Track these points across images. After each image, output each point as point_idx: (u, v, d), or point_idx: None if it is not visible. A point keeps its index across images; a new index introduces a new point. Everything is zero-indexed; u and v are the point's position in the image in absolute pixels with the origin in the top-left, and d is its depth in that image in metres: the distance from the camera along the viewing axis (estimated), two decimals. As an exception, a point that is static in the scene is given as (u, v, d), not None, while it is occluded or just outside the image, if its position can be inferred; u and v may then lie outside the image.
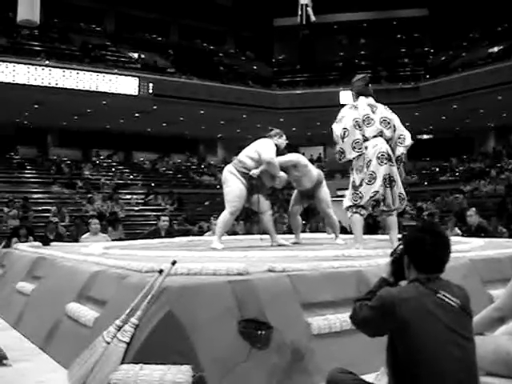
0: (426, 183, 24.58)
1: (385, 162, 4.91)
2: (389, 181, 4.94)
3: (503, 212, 16.62)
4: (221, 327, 2.93)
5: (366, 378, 2.66)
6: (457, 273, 3.83)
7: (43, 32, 22.04)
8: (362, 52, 29.78)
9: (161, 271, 3.02)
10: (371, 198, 4.93)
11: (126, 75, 21.18)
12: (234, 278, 3.14)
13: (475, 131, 27.02)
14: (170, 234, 9.20)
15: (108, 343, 2.92)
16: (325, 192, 6.91)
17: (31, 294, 4.90)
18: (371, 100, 5.27)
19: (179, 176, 24.94)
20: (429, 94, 23.25)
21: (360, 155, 5.02)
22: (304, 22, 10.41)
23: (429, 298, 2.39)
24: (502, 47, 23.42)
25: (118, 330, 2.94)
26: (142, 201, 20.94)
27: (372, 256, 4.35)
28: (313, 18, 10.38)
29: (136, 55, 23.97)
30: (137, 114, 23.09)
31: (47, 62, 19.82)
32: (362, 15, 29.34)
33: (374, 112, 5.14)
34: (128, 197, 21.01)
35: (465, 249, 5.01)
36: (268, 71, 28.60)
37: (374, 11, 29.04)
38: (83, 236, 8.87)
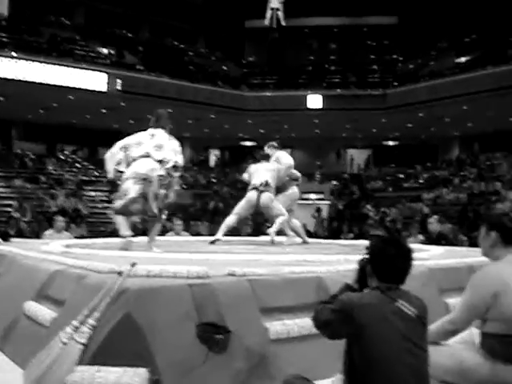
0: (390, 189, 24.85)
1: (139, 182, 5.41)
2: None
3: (464, 220, 16.92)
4: (179, 330, 2.92)
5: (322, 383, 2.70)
6: (415, 281, 3.86)
7: (11, 24, 21.68)
8: (332, 57, 29.99)
9: (120, 273, 3.01)
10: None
11: (94, 70, 20.95)
12: (194, 281, 3.13)
13: (440, 139, 27.47)
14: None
15: (65, 344, 2.88)
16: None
17: (-12, 292, 4.82)
18: (157, 131, 5.76)
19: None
20: (396, 102, 23.55)
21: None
22: (274, 26, 10.44)
23: (387, 305, 2.45)
24: (469, 58, 23.86)
25: (75, 331, 2.91)
26: (107, 198, 20.74)
27: (333, 262, 4.38)
28: (282, 22, 10.42)
29: (105, 51, 23.73)
30: (104, 110, 22.88)
31: (14, 54, 19.48)
32: (333, 20, 29.55)
33: (151, 139, 5.67)
34: (92, 194, 20.79)
35: (424, 257, 5.08)
36: (238, 72, 28.59)
37: (345, 17, 29.28)
38: (46, 232, 8.74)
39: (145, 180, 5.34)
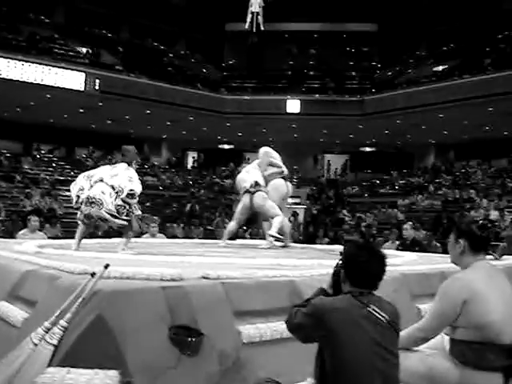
0: (366, 195, 25.01)
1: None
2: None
3: (438, 227, 17.08)
4: (151, 333, 2.91)
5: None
6: (388, 286, 3.92)
7: (-11, 21, 21.46)
8: (311, 62, 30.09)
9: (93, 274, 3.00)
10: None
11: (72, 69, 20.80)
12: (168, 283, 3.13)
13: (416, 147, 27.71)
14: (106, 232, 9.09)
15: (36, 345, 2.86)
16: None
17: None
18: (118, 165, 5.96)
19: (122, 174, 24.57)
20: (373, 108, 23.74)
21: None
22: (254, 30, 10.46)
23: (359, 310, 2.48)
24: (446, 66, 24.12)
25: (47, 332, 2.89)
26: (83, 198, 20.55)
27: (307, 266, 4.41)
28: (262, 27, 10.45)
29: (84, 50, 23.56)
30: (81, 110, 22.72)
31: (-8, 52, 19.29)
32: (313, 26, 29.65)
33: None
34: (68, 193, 20.53)
35: (397, 263, 5.14)
36: (217, 75, 28.58)
37: (325, 23, 29.39)
38: (20, 232, 8.65)
39: (92, 203, 5.50)
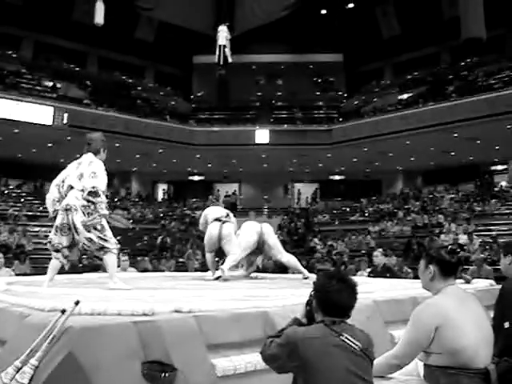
0: (336, 222, 25.14)
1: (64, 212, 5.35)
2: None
3: (409, 252, 17.23)
4: (124, 369, 2.87)
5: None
6: (361, 314, 3.93)
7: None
8: (279, 93, 30.45)
9: (63, 311, 2.96)
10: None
11: (40, 104, 20.69)
12: (139, 318, 3.10)
13: (384, 173, 28.05)
14: (74, 268, 8.98)
15: (6, 385, 2.81)
16: None
17: None
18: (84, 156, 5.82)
19: (92, 209, 24.28)
20: (341, 137, 24.02)
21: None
22: (221, 62, 10.58)
23: (332, 339, 2.48)
24: (411, 94, 24.58)
25: (17, 372, 2.84)
26: (51, 233, 20.28)
27: (279, 297, 4.41)
28: (229, 60, 10.57)
29: (51, 84, 23.48)
30: (50, 144, 22.55)
31: (-43, 87, 19.13)
32: (279, 57, 30.06)
33: (76, 168, 5.71)
34: (36, 229, 20.30)
35: (369, 290, 5.17)
36: (186, 107, 28.71)
37: (292, 54, 29.84)
38: (-15, 270, 8.50)
39: (68, 210, 5.24)
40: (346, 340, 2.50)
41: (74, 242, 5.38)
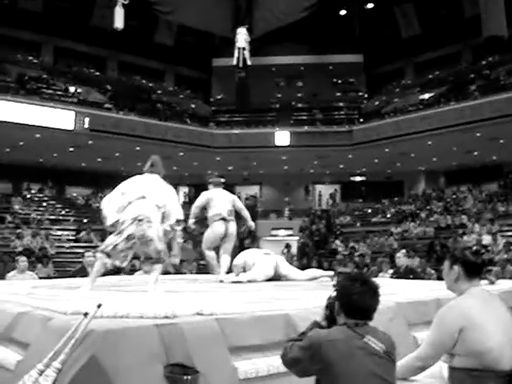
0: (358, 224, 25.03)
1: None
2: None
3: (432, 254, 17.09)
4: (146, 372, 2.87)
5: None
6: (383, 316, 3.90)
7: (-22, 63, 21.63)
8: (299, 94, 30.43)
9: (86, 314, 2.97)
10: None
11: (61, 109, 20.89)
12: (161, 321, 3.10)
13: (406, 174, 27.87)
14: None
15: (29, 388, 2.83)
16: None
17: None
18: (152, 177, 5.72)
19: (113, 212, 24.41)
20: (362, 138, 23.91)
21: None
22: (241, 65, 10.57)
23: (355, 341, 2.47)
24: (432, 94, 24.39)
25: (40, 375, 2.85)
26: (74, 237, 20.47)
27: (301, 299, 4.38)
28: (249, 62, 10.56)
29: (73, 89, 23.70)
30: (71, 149, 22.76)
31: (-20, 93, 19.39)
32: (299, 59, 30.03)
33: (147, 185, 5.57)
34: (59, 233, 20.50)
35: (391, 291, 5.12)
36: (206, 110, 28.79)
37: (311, 55, 29.80)
38: (10, 274, 8.57)
39: (141, 221, 5.15)
40: (368, 342, 2.49)
41: (131, 249, 5.28)
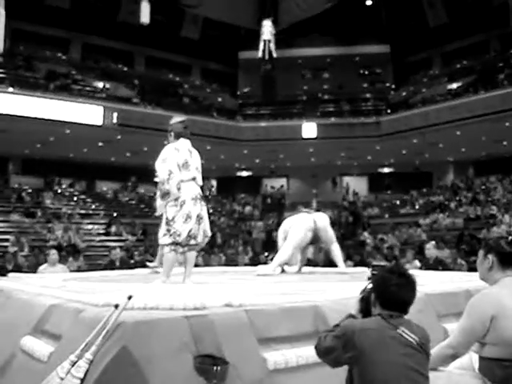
0: (386, 215, 24.87)
1: (198, 202, 5.38)
2: (199, 218, 5.34)
3: (461, 245, 16.91)
4: (176, 363, 2.91)
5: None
6: (412, 307, 3.88)
7: (8, 59, 21.91)
8: (325, 86, 30.27)
9: (117, 306, 3.01)
10: (187, 235, 5.25)
11: (90, 104, 21.11)
12: (191, 312, 3.13)
13: (434, 165, 27.58)
14: (126, 263, 9.14)
15: (62, 379, 2.87)
16: None
17: (-14, 328, 4.78)
18: (189, 144, 5.67)
19: (142, 206, 24.73)
20: (389, 129, 23.72)
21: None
22: (266, 57, 10.57)
23: (388, 331, 2.49)
24: (460, 84, 24.07)
25: (73, 366, 2.90)
26: (104, 231, 20.71)
27: (330, 291, 4.38)
28: (274, 54, 10.55)
29: (101, 84, 23.91)
30: (100, 144, 23.00)
31: (11, 90, 19.65)
32: (325, 50, 29.83)
33: (191, 157, 5.59)
34: (89, 227, 20.75)
35: (421, 283, 5.08)
36: (233, 103, 28.81)
37: (338, 46, 29.58)
38: (41, 267, 8.72)
39: (198, 200, 5.36)
40: (402, 333, 2.50)
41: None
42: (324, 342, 2.61)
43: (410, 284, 2.64)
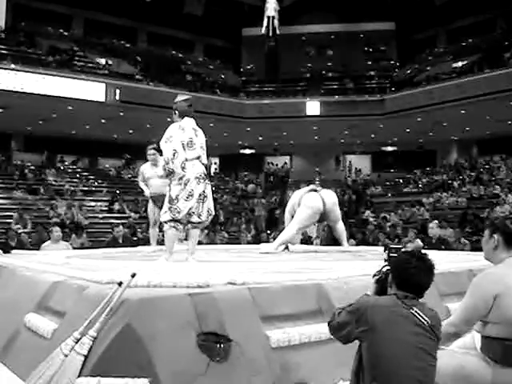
0: (389, 194, 24.85)
1: (201, 181, 5.39)
2: (202, 197, 5.38)
3: (465, 224, 16.91)
4: (180, 340, 2.92)
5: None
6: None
7: (9, 36, 21.76)
8: (329, 64, 30.04)
9: (120, 283, 3.01)
10: (187, 213, 5.31)
11: (92, 81, 21.00)
12: (194, 290, 3.14)
13: (438, 144, 27.48)
14: (129, 241, 9.17)
15: (66, 356, 2.89)
16: None
17: (-11, 304, 4.80)
18: (194, 123, 5.64)
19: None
20: (393, 107, 23.58)
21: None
22: (270, 34, 10.49)
23: (401, 310, 2.53)
24: (465, 62, 23.86)
25: (76, 343, 2.91)
26: (107, 208, 20.73)
27: (333, 269, 4.38)
28: (277, 31, 10.48)
29: (103, 61, 23.77)
30: (103, 120, 22.93)
31: (13, 66, 19.54)
32: (329, 27, 29.59)
33: (196, 136, 5.56)
34: (92, 204, 20.77)
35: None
36: (236, 80, 28.64)
37: (342, 24, 29.32)
38: (44, 244, 8.73)
39: (202, 179, 5.36)
40: (415, 313, 2.53)
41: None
42: (338, 317, 2.65)
43: (428, 269, 2.66)
